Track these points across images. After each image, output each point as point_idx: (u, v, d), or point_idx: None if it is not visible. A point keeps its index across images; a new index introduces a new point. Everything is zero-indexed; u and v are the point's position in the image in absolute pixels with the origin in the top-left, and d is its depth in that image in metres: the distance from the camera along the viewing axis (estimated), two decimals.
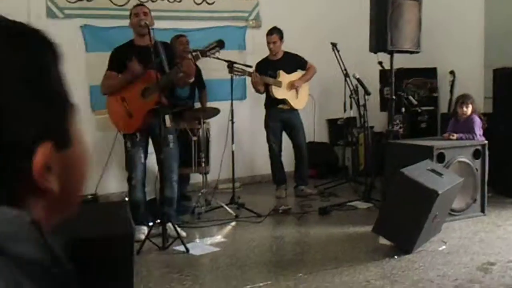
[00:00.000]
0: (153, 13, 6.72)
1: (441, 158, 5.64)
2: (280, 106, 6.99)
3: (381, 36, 6.26)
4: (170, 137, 5.29)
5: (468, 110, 6.19)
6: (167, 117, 5.18)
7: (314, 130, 8.17)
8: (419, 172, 4.94)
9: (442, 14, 7.93)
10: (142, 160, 5.32)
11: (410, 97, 6.96)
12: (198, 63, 5.67)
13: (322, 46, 7.34)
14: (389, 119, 6.66)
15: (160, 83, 5.07)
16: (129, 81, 5.21)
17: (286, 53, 7.07)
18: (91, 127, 6.84)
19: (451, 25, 8.11)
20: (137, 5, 5.56)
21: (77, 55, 6.77)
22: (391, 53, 6.39)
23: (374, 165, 7.11)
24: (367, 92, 6.75)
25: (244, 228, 5.75)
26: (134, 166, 5.28)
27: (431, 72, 8.30)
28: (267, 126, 7.10)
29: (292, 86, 6.94)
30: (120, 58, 5.27)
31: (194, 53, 5.40)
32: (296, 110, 7.07)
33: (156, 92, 5.03)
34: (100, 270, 3.50)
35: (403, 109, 7.04)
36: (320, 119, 8.48)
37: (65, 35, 6.64)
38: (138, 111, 5.21)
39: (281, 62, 7.01)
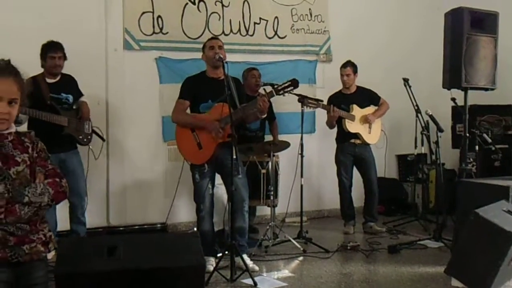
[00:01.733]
0: (225, 46, 6.88)
1: None
2: (353, 140, 6.94)
3: (455, 73, 6.15)
4: (240, 167, 5.32)
5: None
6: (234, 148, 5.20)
7: (384, 166, 8.06)
8: (495, 213, 4.78)
9: None
10: (210, 191, 5.36)
11: (484, 135, 6.79)
12: None
13: (392, 79, 7.31)
14: (461, 157, 6.49)
15: (233, 116, 5.14)
16: (202, 127, 5.29)
17: (359, 87, 7.06)
18: (163, 157, 6.99)
19: None
20: (212, 38, 5.65)
21: (151, 86, 6.97)
22: (465, 90, 6.26)
23: (445, 203, 6.94)
24: (439, 129, 6.63)
25: (311, 263, 5.69)
26: (202, 197, 5.32)
27: (506, 109, 8.09)
28: (338, 160, 7.06)
29: (366, 120, 6.90)
30: (192, 88, 5.37)
31: (268, 91, 5.41)
32: (368, 145, 7.02)
33: (227, 124, 5.09)
34: None
35: (477, 147, 6.89)
36: (390, 154, 8.38)
37: (141, 66, 6.90)
38: (208, 143, 5.27)
39: (354, 96, 7.00)
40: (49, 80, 5.68)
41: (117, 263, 3.43)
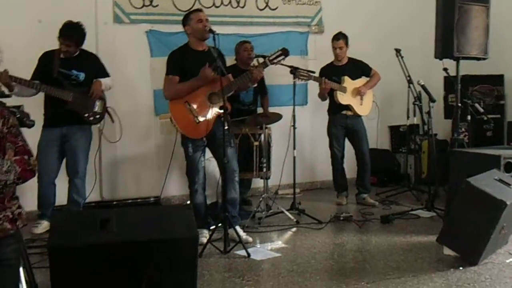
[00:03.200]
0: (216, 19, 6.87)
1: (509, 167, 5.47)
2: (344, 112, 6.94)
3: (447, 43, 6.14)
4: (232, 136, 5.33)
5: None
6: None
7: (377, 137, 8.08)
8: (486, 182, 4.81)
9: (510, 18, 7.73)
10: (203, 164, 5.37)
11: (476, 105, 6.79)
12: None
13: (384, 50, 7.28)
14: (453, 127, 6.53)
15: (230, 88, 5.17)
16: (199, 86, 5.26)
17: (350, 59, 7.03)
18: (155, 131, 6.97)
19: None
20: (198, 10, 5.57)
21: (142, 60, 6.92)
22: (457, 59, 6.26)
23: (438, 173, 6.97)
24: (432, 99, 6.62)
25: (305, 234, 5.73)
26: (196, 171, 5.33)
27: (498, 79, 8.08)
28: (330, 132, 7.07)
29: (358, 92, 6.89)
30: (180, 62, 5.33)
31: (261, 62, 5.44)
32: (360, 116, 7.02)
33: (223, 97, 5.08)
34: (165, 272, 3.54)
35: (469, 117, 6.89)
36: (382, 125, 8.38)
37: (131, 40, 6.84)
38: (207, 115, 5.27)
39: (345, 68, 6.98)
40: (63, 56, 5.65)
41: (109, 235, 3.42)
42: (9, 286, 2.70)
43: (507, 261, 4.75)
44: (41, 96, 5.61)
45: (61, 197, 5.90)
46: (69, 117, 5.62)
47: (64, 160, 5.81)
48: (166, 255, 3.55)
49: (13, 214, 2.66)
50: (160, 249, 3.53)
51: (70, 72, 5.64)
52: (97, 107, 5.82)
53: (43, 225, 5.72)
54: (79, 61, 5.72)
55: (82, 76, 5.70)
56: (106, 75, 5.93)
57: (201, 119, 5.26)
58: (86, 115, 5.73)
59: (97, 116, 5.84)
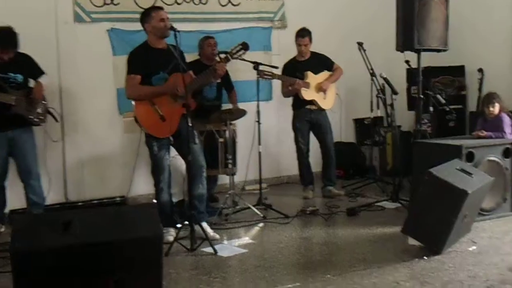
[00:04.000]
0: (178, 16, 6.85)
1: (470, 157, 5.58)
2: (308, 106, 6.98)
3: (408, 35, 6.20)
4: (196, 133, 5.32)
5: (495, 109, 6.11)
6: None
7: (341, 130, 8.15)
8: (448, 171, 4.89)
9: (470, 11, 7.86)
10: (168, 162, 5.35)
11: (438, 96, 6.89)
12: None
13: (348, 46, 7.31)
14: (416, 118, 6.59)
15: (193, 85, 5.21)
16: (163, 94, 5.24)
17: (313, 53, 7.06)
18: (119, 130, 6.92)
19: (479, 22, 8.02)
20: (158, 8, 5.53)
21: (104, 59, 6.86)
22: (418, 51, 6.33)
23: (402, 164, 7.05)
24: (394, 92, 6.70)
25: (271, 229, 5.75)
26: (162, 169, 5.30)
27: (459, 70, 8.20)
28: (294, 127, 7.10)
29: (320, 87, 6.92)
30: (141, 61, 5.28)
31: (223, 57, 5.45)
32: (324, 110, 7.06)
33: (190, 93, 5.07)
34: (130, 272, 3.53)
35: (431, 108, 6.99)
36: (346, 119, 8.46)
37: (93, 39, 6.77)
38: (172, 115, 5.23)
39: (308, 62, 7.01)
40: None
41: (72, 237, 3.40)
42: None
43: (470, 249, 4.83)
44: None
45: (18, 201, 5.89)
46: (14, 120, 5.55)
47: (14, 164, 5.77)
48: (131, 255, 3.54)
49: None
50: (124, 249, 3.51)
51: (7, 75, 5.56)
52: (40, 109, 5.75)
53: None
54: (13, 63, 5.60)
55: (20, 78, 5.62)
56: (41, 73, 5.82)
57: (166, 117, 5.24)
58: (31, 117, 5.66)
59: (41, 117, 5.76)
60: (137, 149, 5.84)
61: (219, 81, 6.08)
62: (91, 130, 6.82)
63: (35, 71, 5.78)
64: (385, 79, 6.68)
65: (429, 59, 6.86)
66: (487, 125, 6.15)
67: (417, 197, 5.15)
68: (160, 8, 5.52)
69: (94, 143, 6.82)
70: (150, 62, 5.25)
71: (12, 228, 3.58)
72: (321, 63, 7.09)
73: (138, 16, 5.98)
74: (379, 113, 7.64)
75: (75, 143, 6.73)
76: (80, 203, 6.60)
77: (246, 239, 5.42)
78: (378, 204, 6.44)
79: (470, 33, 7.91)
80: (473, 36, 7.96)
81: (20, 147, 5.66)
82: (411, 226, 4.95)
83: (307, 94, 6.89)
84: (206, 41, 6.79)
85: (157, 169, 5.33)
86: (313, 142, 7.20)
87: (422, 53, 6.36)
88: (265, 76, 6.49)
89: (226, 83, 6.91)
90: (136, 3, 6.97)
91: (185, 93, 5.02)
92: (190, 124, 4.97)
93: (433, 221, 4.71)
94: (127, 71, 5.29)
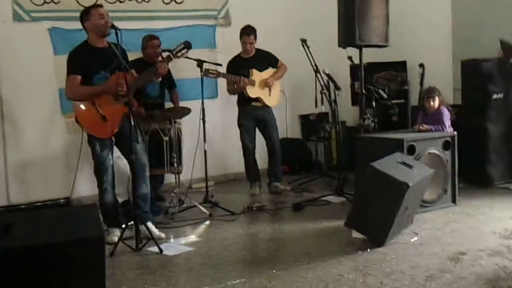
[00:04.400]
0: (121, 14, 6.80)
1: (411, 150, 5.70)
2: (254, 103, 7.01)
3: (349, 31, 6.31)
4: (137, 134, 5.28)
5: (435, 103, 6.27)
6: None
7: (287, 126, 8.20)
8: (389, 165, 4.98)
9: (410, 7, 7.99)
10: (111, 162, 5.29)
11: (380, 91, 7.03)
12: None
13: (292, 43, 7.32)
14: (360, 113, 6.70)
15: (135, 84, 5.19)
16: (103, 93, 5.17)
17: (257, 50, 7.10)
18: (61, 130, 6.83)
19: (419, 19, 8.17)
20: (98, 5, 5.46)
21: (45, 58, 6.76)
22: (359, 47, 6.43)
23: (347, 159, 7.15)
24: (337, 87, 6.79)
25: (218, 226, 5.75)
26: (105, 169, 5.24)
27: (401, 66, 8.35)
28: (240, 124, 7.12)
29: (265, 84, 6.95)
30: (81, 61, 5.19)
31: (166, 56, 5.44)
32: (269, 107, 7.10)
33: (132, 92, 5.03)
34: (72, 274, 3.48)
35: (374, 103, 7.10)
36: (292, 115, 8.51)
37: (33, 38, 6.66)
38: (113, 114, 5.16)
39: (253, 60, 7.04)
40: None
41: (12, 241, 3.34)
42: None
43: (412, 240, 4.93)
44: None
45: None
46: None
47: None
48: (72, 257, 3.48)
49: None
50: (65, 251, 3.46)
51: None
52: None
53: None
54: None
55: None
56: None
57: (107, 117, 5.18)
58: None
59: None
60: (80, 150, 5.74)
61: (160, 79, 6.03)
62: (33, 130, 6.70)
63: None
64: (328, 75, 6.77)
65: (372, 55, 6.98)
66: (428, 119, 6.30)
67: (359, 191, 5.24)
68: (99, 6, 5.44)
69: (36, 144, 6.71)
70: (90, 61, 5.17)
71: None
72: (265, 60, 7.13)
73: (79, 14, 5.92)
74: (323, 109, 7.72)
75: (16, 144, 6.60)
76: (23, 206, 6.48)
77: (192, 237, 5.40)
78: (324, 198, 6.52)
79: (411, 29, 8.05)
80: (414, 33, 8.11)
81: None
82: (354, 220, 5.03)
83: (253, 91, 6.92)
84: (150, 42, 6.70)
85: (100, 169, 5.26)
86: (259, 139, 7.23)
87: (365, 50, 6.48)
88: (210, 75, 6.49)
89: (168, 82, 6.88)
90: (78, 2, 6.87)
91: (127, 92, 4.97)
92: (132, 123, 4.93)
93: (376, 214, 4.78)
94: (67, 72, 5.20)
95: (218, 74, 6.62)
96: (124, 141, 5.19)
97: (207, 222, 5.92)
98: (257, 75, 6.97)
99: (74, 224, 3.61)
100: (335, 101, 6.90)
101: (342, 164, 7.17)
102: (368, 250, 4.67)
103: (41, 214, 4.10)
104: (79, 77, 5.14)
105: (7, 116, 6.51)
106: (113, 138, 5.28)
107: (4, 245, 3.33)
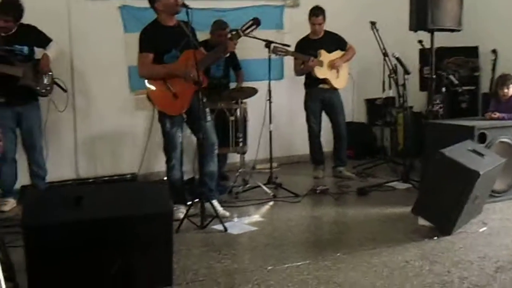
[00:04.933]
0: None
1: (482, 138, 5.54)
2: (321, 85, 6.94)
3: (421, 14, 6.14)
4: (207, 111, 5.32)
5: (509, 91, 6.07)
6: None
7: (353, 110, 8.10)
8: (460, 152, 4.86)
9: None
10: (180, 140, 5.34)
11: (451, 77, 6.86)
12: None
13: (360, 25, 7.23)
14: (429, 99, 6.55)
15: (204, 62, 5.23)
16: (176, 76, 5.20)
17: (326, 32, 7.01)
18: (130, 107, 6.94)
19: (494, 2, 7.91)
20: None
21: (115, 36, 6.86)
22: (431, 31, 6.27)
23: (413, 145, 7.02)
24: (406, 72, 6.65)
25: (281, 207, 5.76)
26: (174, 146, 5.29)
27: (473, 51, 8.13)
28: (307, 106, 7.08)
29: (333, 65, 6.87)
30: (152, 39, 5.24)
31: (234, 33, 5.42)
32: (337, 89, 7.02)
33: (198, 72, 5.05)
34: (140, 248, 3.55)
35: (444, 89, 6.94)
36: (358, 98, 8.41)
37: (104, 16, 6.76)
38: (184, 92, 5.19)
39: (321, 41, 6.96)
40: (3, 33, 5.62)
41: (84, 212, 3.42)
42: None
43: (480, 230, 4.82)
44: None
45: (28, 177, 6.00)
46: (21, 95, 5.65)
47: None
48: (141, 231, 3.54)
49: None
50: (134, 225, 3.53)
51: (13, 47, 5.63)
52: (46, 79, 5.84)
53: (10, 203, 5.86)
54: (18, 35, 5.69)
55: (25, 49, 5.70)
56: (48, 40, 5.88)
57: (178, 95, 5.22)
58: (38, 88, 5.77)
59: (48, 88, 5.88)
60: (150, 127, 5.83)
61: (228, 55, 5.96)
62: (102, 106, 6.83)
63: (42, 39, 5.85)
64: (397, 59, 6.63)
65: (442, 39, 6.79)
66: (500, 107, 6.11)
67: (428, 178, 5.14)
68: None
69: (105, 120, 6.84)
70: (161, 40, 5.21)
71: (23, 203, 3.59)
72: (334, 42, 7.04)
73: None
74: (391, 93, 7.59)
75: (86, 119, 6.77)
76: (91, 179, 6.64)
77: (256, 217, 5.43)
78: (389, 184, 6.43)
79: (485, 13, 7.82)
80: (488, 17, 7.87)
81: (26, 122, 5.79)
82: (422, 207, 4.94)
83: (320, 72, 6.85)
84: (219, 31, 6.66)
85: (169, 146, 5.32)
86: (325, 122, 7.17)
87: (436, 33, 6.30)
88: (279, 52, 6.45)
89: (233, 63, 6.89)
90: None
91: (196, 73, 4.99)
92: (203, 100, 4.96)
93: (444, 201, 4.69)
94: (139, 49, 5.25)
95: (287, 52, 6.57)
96: (193, 119, 5.23)
97: (271, 203, 5.93)
98: (325, 56, 6.89)
99: (144, 200, 3.66)
100: (403, 85, 6.77)
101: (408, 150, 7.03)
102: (435, 238, 4.59)
103: (111, 188, 4.17)
104: (151, 55, 5.19)
105: (78, 91, 6.65)
106: (184, 115, 5.31)
107: (76, 217, 3.41)
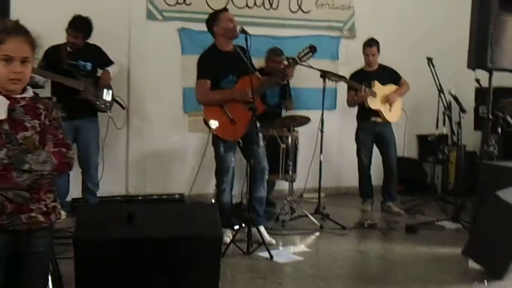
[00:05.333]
0: (248, 19, 6.89)
1: None
2: (374, 119, 6.89)
3: (481, 53, 6.06)
4: (260, 136, 5.34)
5: None
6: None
7: (404, 145, 8.00)
8: None
9: None
10: (233, 164, 5.36)
11: (508, 117, 6.71)
12: None
13: (416, 59, 7.19)
14: (483, 139, 6.42)
15: (261, 88, 5.27)
16: (233, 100, 5.24)
17: (381, 65, 6.99)
18: (183, 128, 7.02)
19: None
20: (225, 10, 5.57)
21: (173, 57, 6.98)
22: (490, 71, 6.17)
23: (465, 184, 6.88)
24: (462, 110, 6.57)
25: (328, 239, 5.70)
26: (226, 170, 5.32)
27: None
28: (358, 139, 7.03)
29: (388, 100, 6.82)
30: (210, 65, 5.30)
31: (291, 60, 5.43)
32: (389, 123, 6.96)
33: (258, 96, 5.09)
34: (188, 269, 3.55)
35: (499, 130, 6.80)
36: (410, 134, 8.31)
37: (163, 37, 6.90)
38: (241, 118, 5.21)
39: (375, 74, 6.93)
40: (69, 49, 5.82)
41: (135, 230, 3.45)
42: (38, 278, 2.71)
43: None
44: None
45: (79, 190, 6.09)
46: (80, 109, 5.76)
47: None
48: (190, 253, 3.56)
49: (47, 207, 2.65)
50: (184, 246, 3.54)
51: (78, 62, 5.82)
52: (107, 96, 5.98)
53: (61, 215, 5.87)
54: (84, 52, 5.89)
55: (89, 66, 5.90)
56: (110, 62, 6.08)
57: (235, 120, 5.25)
58: (98, 103, 5.91)
59: (107, 104, 6.02)
60: (204, 149, 5.85)
61: (284, 83, 5.99)
62: (156, 125, 6.93)
63: (105, 60, 6.06)
64: (454, 96, 6.56)
65: (499, 79, 6.67)
66: None
67: (480, 219, 5.02)
68: (226, 10, 5.57)
69: (157, 138, 6.94)
70: (219, 66, 5.27)
71: (76, 217, 3.64)
72: (388, 75, 7.00)
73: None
74: (445, 130, 7.48)
75: (139, 137, 6.86)
76: (140, 197, 6.71)
77: (302, 247, 5.39)
78: (438, 223, 6.30)
79: None
80: None
81: (84, 136, 5.91)
82: (473, 249, 4.83)
83: (373, 103, 6.80)
84: (273, 58, 6.71)
85: (221, 170, 5.35)
86: (375, 155, 7.11)
87: (494, 73, 6.21)
88: (332, 78, 6.43)
89: (286, 90, 6.91)
90: (208, 4, 7.05)
91: (252, 97, 5.01)
92: (257, 126, 4.98)
93: (496, 245, 4.57)
94: (197, 75, 5.32)
95: (340, 78, 6.55)
96: (247, 144, 5.25)
97: (317, 234, 5.89)
98: (379, 88, 6.85)
99: (194, 221, 3.67)
100: (458, 123, 6.68)
101: (459, 189, 6.90)
102: (486, 282, 4.47)
103: (163, 208, 4.21)
104: (208, 82, 5.25)
105: (133, 109, 6.75)
106: (240, 141, 5.33)
107: (127, 234, 3.44)
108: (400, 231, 6.10)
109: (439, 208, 7.06)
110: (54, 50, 5.67)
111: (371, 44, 6.90)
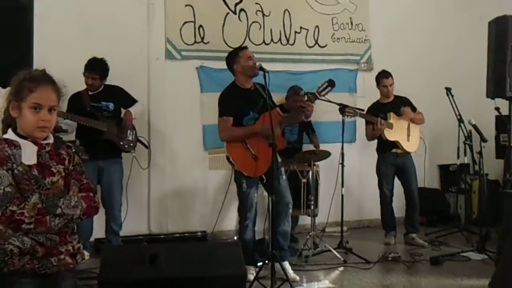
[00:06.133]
0: (266, 56, 6.96)
1: None
2: (394, 150, 6.88)
3: (499, 82, 6.05)
4: (282, 171, 5.36)
5: None
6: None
7: (425, 176, 7.96)
8: None
9: None
10: (256, 200, 5.37)
11: None
12: None
13: (434, 90, 7.23)
14: (506, 168, 6.37)
15: (282, 124, 5.31)
16: (255, 135, 5.26)
17: (396, 96, 7.02)
18: (204, 166, 7.05)
19: None
20: (245, 48, 5.63)
21: (192, 96, 7.05)
22: (509, 99, 6.16)
23: (489, 214, 6.81)
24: (483, 139, 6.52)
25: (352, 274, 5.65)
26: (249, 207, 5.32)
27: None
28: (379, 171, 7.01)
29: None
30: (232, 103, 5.34)
31: (310, 95, 5.47)
32: (409, 153, 6.94)
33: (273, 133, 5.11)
34: None
35: None
36: (431, 164, 8.28)
37: (182, 76, 6.99)
38: (264, 153, 5.18)
39: (392, 104, 6.95)
40: (90, 92, 5.95)
41: (159, 271, 3.47)
42: None
43: None
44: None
45: (102, 230, 6.13)
46: (104, 150, 5.85)
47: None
48: None
49: (73, 248, 2.72)
50: (208, 286, 3.54)
51: (100, 104, 5.93)
52: (130, 136, 6.07)
53: (84, 256, 5.89)
54: (105, 93, 6.00)
55: (111, 106, 6.00)
56: (133, 101, 6.17)
57: (258, 157, 5.26)
58: (121, 143, 5.99)
59: (131, 144, 6.11)
60: (223, 186, 5.88)
61: (303, 120, 6.02)
62: (176, 163, 6.98)
63: (129, 99, 6.14)
64: (474, 126, 6.54)
65: None
66: None
67: (506, 250, 4.95)
68: (246, 48, 5.63)
69: (178, 176, 6.98)
70: (240, 103, 5.31)
71: (101, 258, 3.67)
72: (404, 105, 6.99)
73: (226, 55, 6.18)
74: (466, 160, 7.44)
75: (160, 176, 6.91)
76: (162, 236, 6.72)
77: (326, 283, 5.35)
78: (463, 254, 6.22)
79: None
80: None
81: (108, 177, 5.96)
82: (499, 281, 4.75)
83: (391, 135, 6.80)
84: (294, 97, 6.75)
85: (245, 207, 5.35)
86: (397, 187, 7.07)
87: None
88: (347, 113, 6.44)
89: (308, 126, 6.94)
90: (225, 42, 7.15)
91: (277, 133, 5.04)
92: (279, 161, 4.99)
93: None
94: (219, 113, 5.36)
95: (355, 113, 6.57)
96: (269, 179, 5.24)
97: (341, 268, 5.84)
98: (395, 119, 6.85)
99: (218, 260, 3.68)
100: (480, 152, 6.64)
101: (483, 218, 6.83)
102: None
103: (186, 247, 4.22)
104: (230, 119, 5.29)
105: (153, 148, 6.79)
106: (263, 177, 5.32)
107: (150, 275, 3.46)
108: (424, 263, 6.02)
109: (463, 239, 6.98)
110: (76, 96, 5.82)
111: (387, 75, 6.93)
